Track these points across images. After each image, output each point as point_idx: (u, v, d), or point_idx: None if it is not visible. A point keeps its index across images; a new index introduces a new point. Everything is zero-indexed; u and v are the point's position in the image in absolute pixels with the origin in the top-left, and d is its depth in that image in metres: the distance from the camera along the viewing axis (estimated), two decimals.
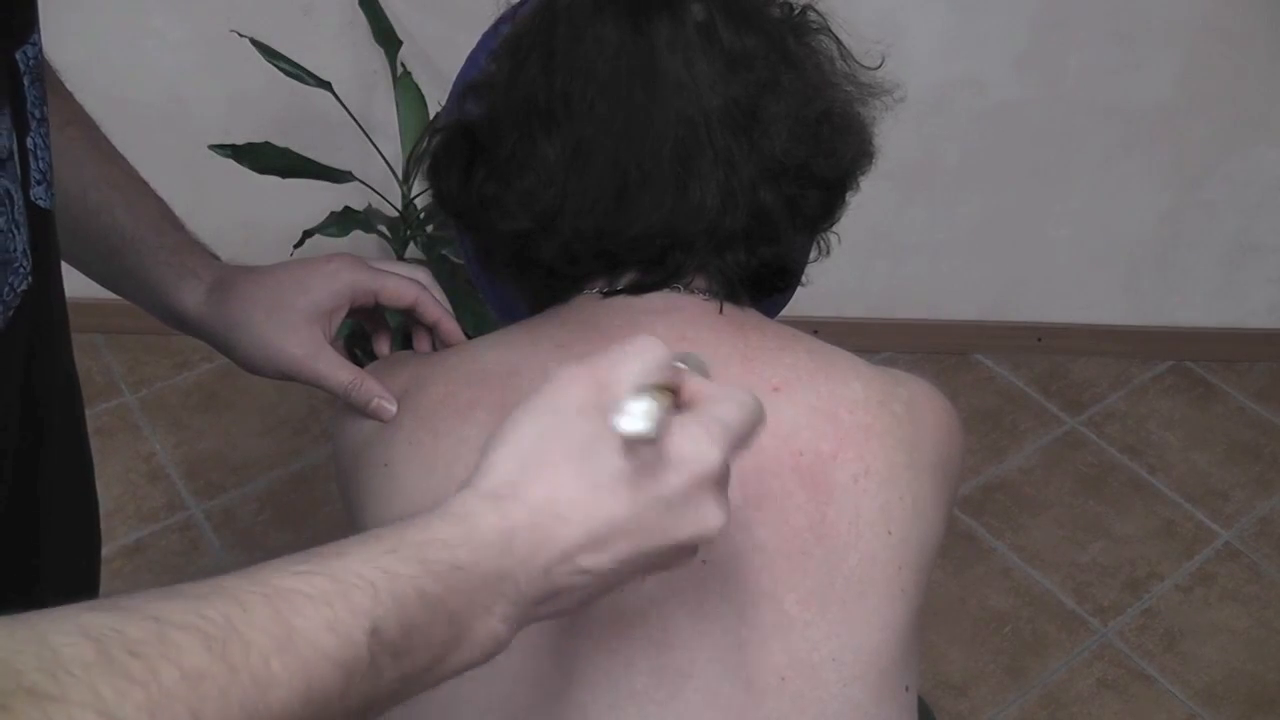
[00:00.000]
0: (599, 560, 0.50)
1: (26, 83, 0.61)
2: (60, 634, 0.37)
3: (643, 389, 0.51)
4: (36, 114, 0.62)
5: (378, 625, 0.43)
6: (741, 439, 0.54)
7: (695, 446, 0.51)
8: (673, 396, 0.53)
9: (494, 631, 0.48)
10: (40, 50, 0.63)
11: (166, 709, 0.37)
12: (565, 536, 0.50)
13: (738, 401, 0.54)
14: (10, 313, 0.60)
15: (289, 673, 0.40)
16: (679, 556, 0.53)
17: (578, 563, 0.50)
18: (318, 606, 0.42)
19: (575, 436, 0.51)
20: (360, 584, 0.44)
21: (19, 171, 0.59)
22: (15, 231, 0.59)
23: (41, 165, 0.63)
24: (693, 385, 0.55)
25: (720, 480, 0.53)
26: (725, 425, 0.53)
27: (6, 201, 0.58)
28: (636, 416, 0.49)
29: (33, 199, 0.62)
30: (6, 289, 0.59)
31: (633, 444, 0.50)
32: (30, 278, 0.61)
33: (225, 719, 0.38)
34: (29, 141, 0.61)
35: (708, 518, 0.52)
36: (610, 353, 0.53)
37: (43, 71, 0.63)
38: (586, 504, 0.50)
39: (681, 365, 0.55)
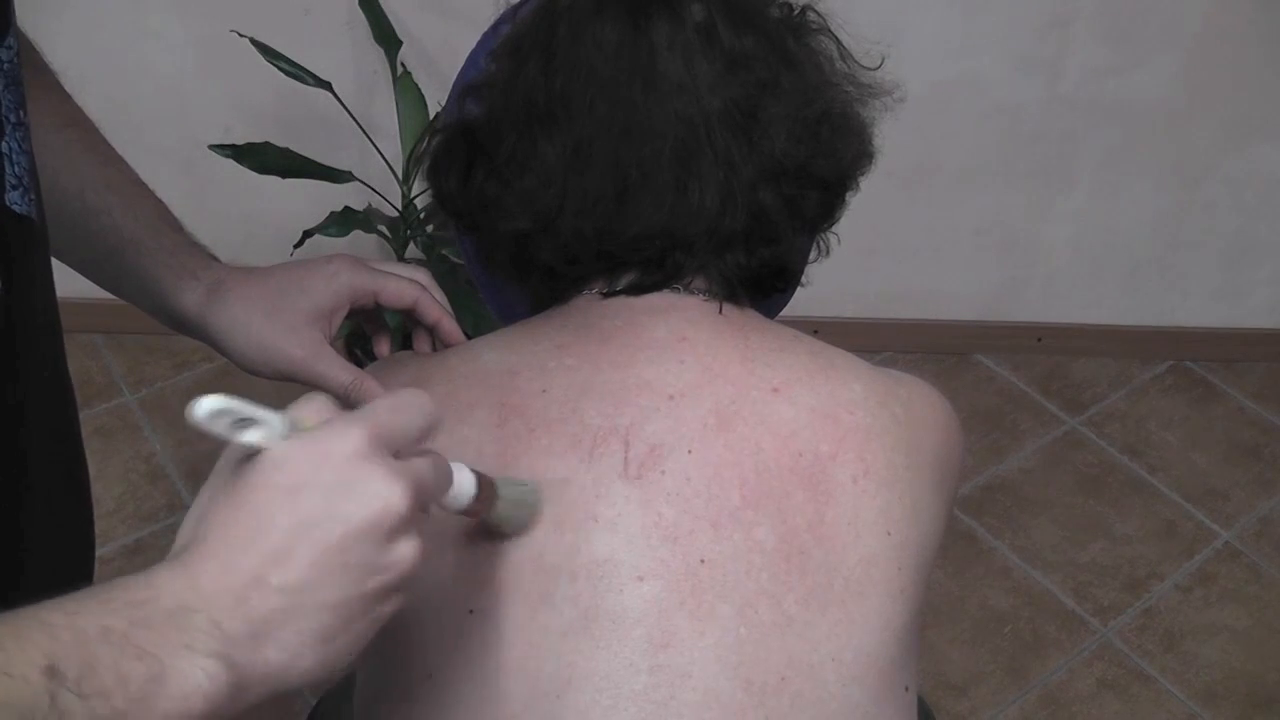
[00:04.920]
0: (289, 573, 0.48)
1: (1, 86, 0.60)
2: None
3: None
4: (13, 118, 0.61)
5: (55, 663, 0.41)
6: (392, 417, 0.52)
7: (328, 429, 0.50)
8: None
9: (207, 671, 0.45)
10: (16, 53, 0.62)
11: None
12: (246, 561, 0.47)
13: (395, 396, 0.53)
14: None
15: None
16: (379, 550, 0.49)
17: (269, 582, 0.47)
18: None
19: (231, 481, 0.50)
20: (36, 624, 0.42)
21: None
22: None
23: (18, 170, 0.62)
24: None
25: (368, 454, 0.49)
26: (370, 410, 0.51)
27: None
28: (204, 400, 0.48)
29: (7, 204, 0.61)
30: None
31: (249, 452, 0.50)
32: (2, 283, 0.60)
33: None
34: (4, 145, 0.60)
35: (373, 492, 0.49)
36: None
37: (20, 74, 0.62)
38: (253, 526, 0.48)
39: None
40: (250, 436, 0.49)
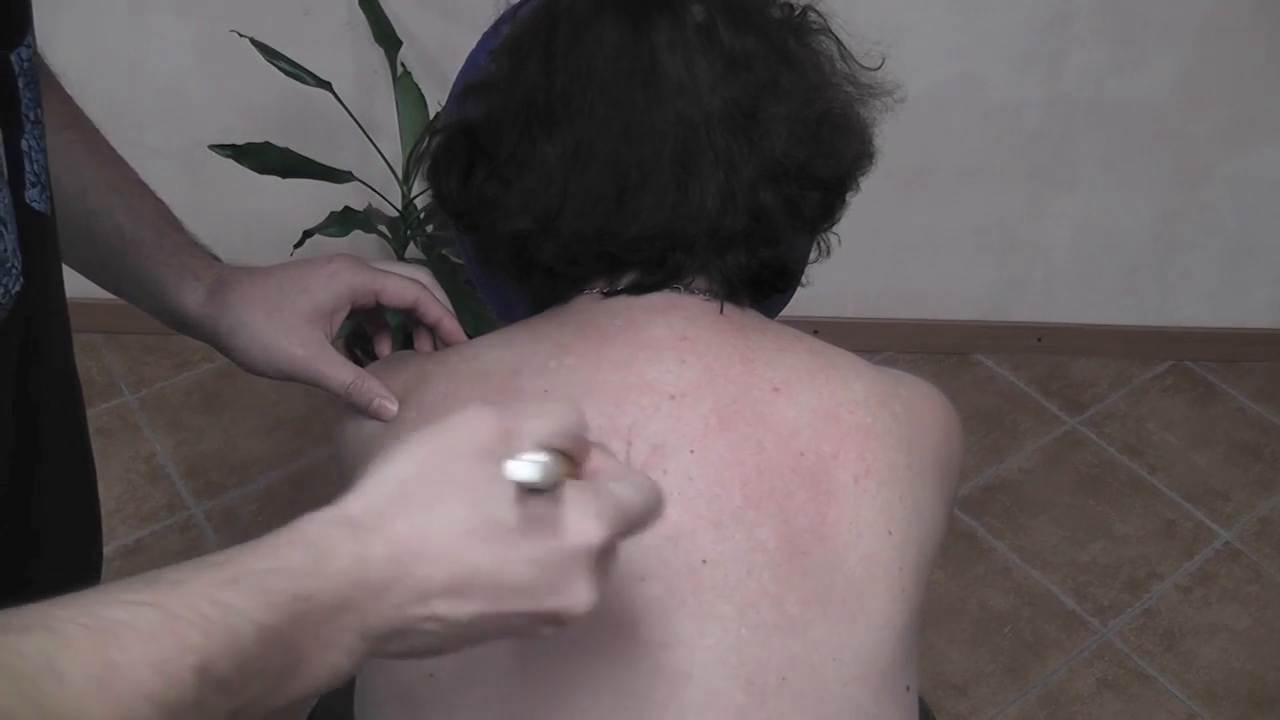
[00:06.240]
0: (455, 609, 0.48)
1: (21, 85, 0.60)
2: None
3: (544, 447, 0.50)
4: (31, 116, 0.62)
5: (207, 663, 0.41)
6: (633, 524, 0.52)
7: (580, 517, 0.49)
8: (573, 466, 0.53)
9: (335, 664, 0.46)
10: (35, 52, 0.62)
11: None
12: (424, 577, 0.47)
13: (637, 485, 0.52)
14: (3, 315, 0.60)
15: (104, 712, 0.38)
16: (537, 626, 0.50)
17: (433, 608, 0.47)
18: (144, 642, 0.40)
19: (460, 477, 0.49)
20: (192, 618, 0.41)
21: (5, 171, 0.59)
22: (4, 231, 0.59)
23: (36, 168, 0.62)
24: (597, 460, 0.54)
25: (598, 558, 0.50)
26: (619, 505, 0.51)
27: None
28: (529, 464, 0.48)
29: (27, 201, 0.61)
30: (0, 291, 0.59)
31: (522, 496, 0.48)
32: (22, 279, 0.61)
33: None
34: (23, 144, 0.61)
35: (577, 594, 0.49)
36: (524, 404, 0.52)
37: (37, 74, 0.63)
38: (454, 548, 0.48)
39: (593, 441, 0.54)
40: (519, 472, 0.48)
